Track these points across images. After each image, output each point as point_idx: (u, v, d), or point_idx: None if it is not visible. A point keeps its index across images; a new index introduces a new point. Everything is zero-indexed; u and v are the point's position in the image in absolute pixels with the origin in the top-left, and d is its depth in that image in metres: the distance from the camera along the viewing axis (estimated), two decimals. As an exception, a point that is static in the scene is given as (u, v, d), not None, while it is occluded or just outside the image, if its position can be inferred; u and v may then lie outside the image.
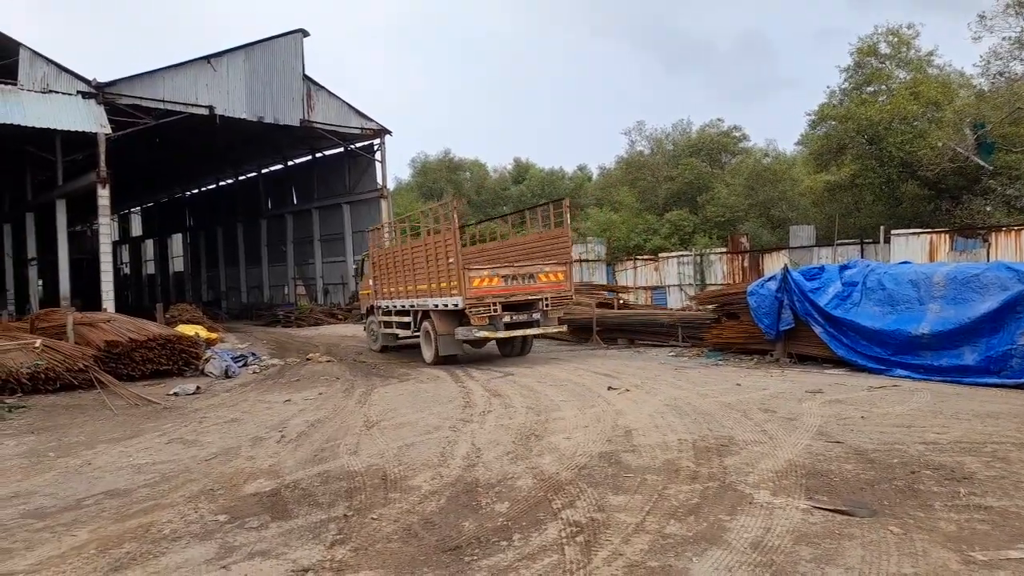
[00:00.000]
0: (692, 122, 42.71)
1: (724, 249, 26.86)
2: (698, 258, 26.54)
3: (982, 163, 23.54)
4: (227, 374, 14.41)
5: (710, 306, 15.12)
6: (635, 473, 6.00)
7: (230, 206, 45.78)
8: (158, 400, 11.58)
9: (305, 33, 30.56)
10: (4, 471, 7.32)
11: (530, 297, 13.91)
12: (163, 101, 26.54)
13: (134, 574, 4.45)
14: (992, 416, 7.59)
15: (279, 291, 41.31)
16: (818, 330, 11.76)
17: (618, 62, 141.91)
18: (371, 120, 32.87)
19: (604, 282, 27.75)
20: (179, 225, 52.81)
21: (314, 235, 38.29)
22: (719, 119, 41.72)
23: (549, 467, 6.30)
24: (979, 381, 9.47)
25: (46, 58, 24.38)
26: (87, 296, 29.26)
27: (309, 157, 39.16)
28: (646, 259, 29.12)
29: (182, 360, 14.60)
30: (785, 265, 14.22)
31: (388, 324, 17.11)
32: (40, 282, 34.73)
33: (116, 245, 51.65)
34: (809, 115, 31.09)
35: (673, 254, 28.11)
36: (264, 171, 43.21)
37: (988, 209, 23.14)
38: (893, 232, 21.52)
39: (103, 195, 24.32)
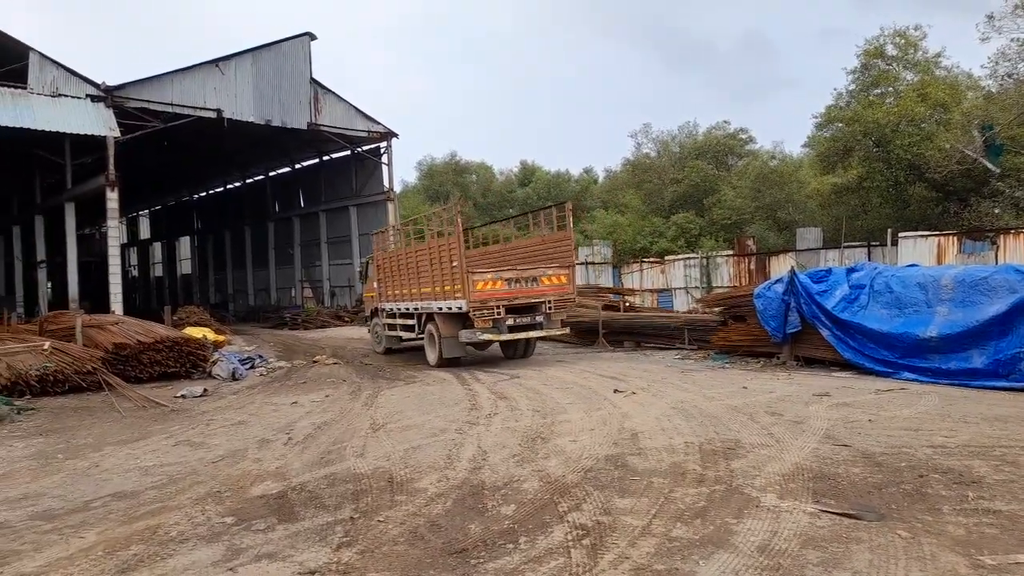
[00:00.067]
0: (698, 124, 42.71)
1: (730, 252, 26.77)
2: (704, 261, 26.46)
3: (990, 165, 23.42)
4: (234, 376, 14.46)
5: (716, 309, 15.08)
6: (641, 476, 5.99)
7: (237, 209, 45.96)
8: (165, 402, 11.63)
9: (312, 36, 30.65)
10: (13, 473, 7.36)
11: (533, 300, 13.99)
12: (171, 104, 26.67)
13: (142, 576, 4.48)
14: (1001, 419, 7.55)
15: (286, 293, 41.43)
16: (825, 333, 11.72)
17: (619, 62, 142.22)
18: (377, 123, 32.95)
19: (610, 285, 27.69)
20: (187, 228, 53.03)
21: (321, 238, 38.39)
22: (725, 121, 41.81)
23: (555, 470, 6.30)
24: (987, 384, 9.41)
25: (55, 62, 24.51)
26: (96, 298, 29.38)
27: (316, 160, 39.28)
28: (652, 262, 29.06)
29: (189, 362, 14.67)
30: (792, 268, 14.17)
31: (392, 326, 17.18)
32: (49, 285, 34.90)
33: (124, 248, 52.00)
34: (815, 117, 31.00)
35: (679, 257, 28.03)
36: (271, 174, 43.35)
37: (996, 211, 22.97)
38: (900, 234, 21.40)
39: (112, 198, 24.44)
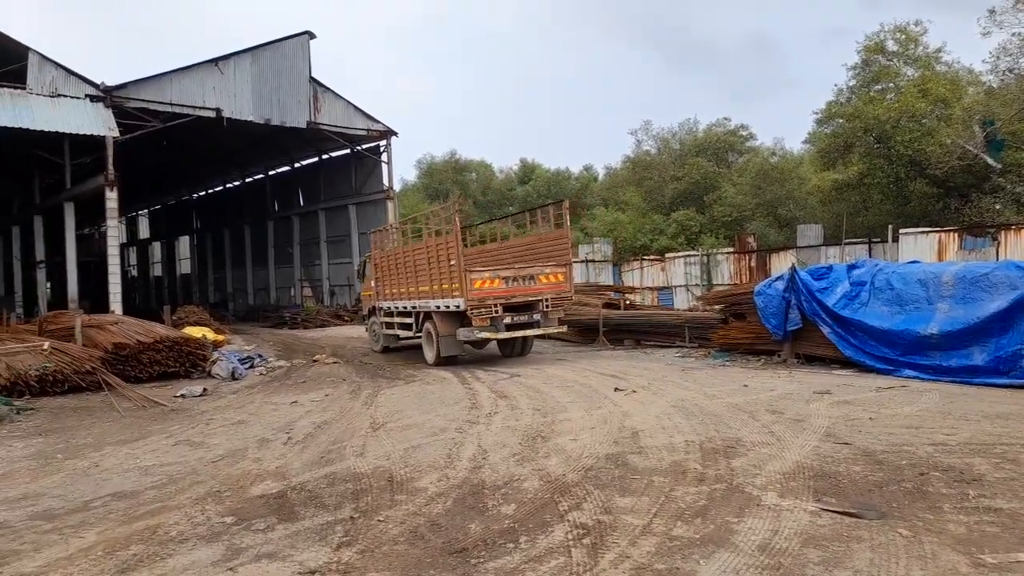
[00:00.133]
0: (699, 121, 42.60)
1: (731, 249, 26.77)
2: (705, 258, 26.46)
3: (991, 161, 23.39)
4: (234, 376, 14.45)
5: (717, 306, 15.07)
6: (642, 475, 5.98)
7: (237, 208, 45.93)
8: (165, 402, 11.63)
9: (311, 35, 30.59)
10: (13, 473, 7.36)
11: (531, 298, 14.05)
12: (171, 104, 26.63)
13: (141, 576, 4.47)
14: (1002, 417, 7.54)
15: (285, 293, 41.40)
16: (826, 330, 11.70)
17: (620, 62, 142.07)
18: (377, 121, 32.91)
19: (610, 282, 27.67)
20: (186, 227, 53.01)
21: (320, 236, 38.36)
22: (726, 118, 41.65)
23: (556, 469, 6.29)
24: (988, 382, 9.39)
25: (55, 62, 24.48)
26: (95, 298, 29.36)
27: (315, 159, 39.24)
28: (652, 259, 29.05)
29: (189, 362, 14.67)
30: (792, 265, 14.16)
31: (390, 325, 17.25)
32: (48, 284, 34.89)
33: (124, 247, 51.92)
34: (816, 113, 30.99)
35: (680, 254, 28.03)
36: (271, 173, 43.31)
37: (998, 207, 22.95)
38: (901, 231, 21.39)
39: (111, 198, 24.41)
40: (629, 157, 44.63)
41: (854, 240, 23.64)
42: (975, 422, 7.36)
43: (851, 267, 12.34)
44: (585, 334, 17.73)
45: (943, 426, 7.22)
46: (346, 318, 30.76)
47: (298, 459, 7.27)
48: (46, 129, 23.44)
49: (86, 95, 24.57)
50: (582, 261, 29.61)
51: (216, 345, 17.64)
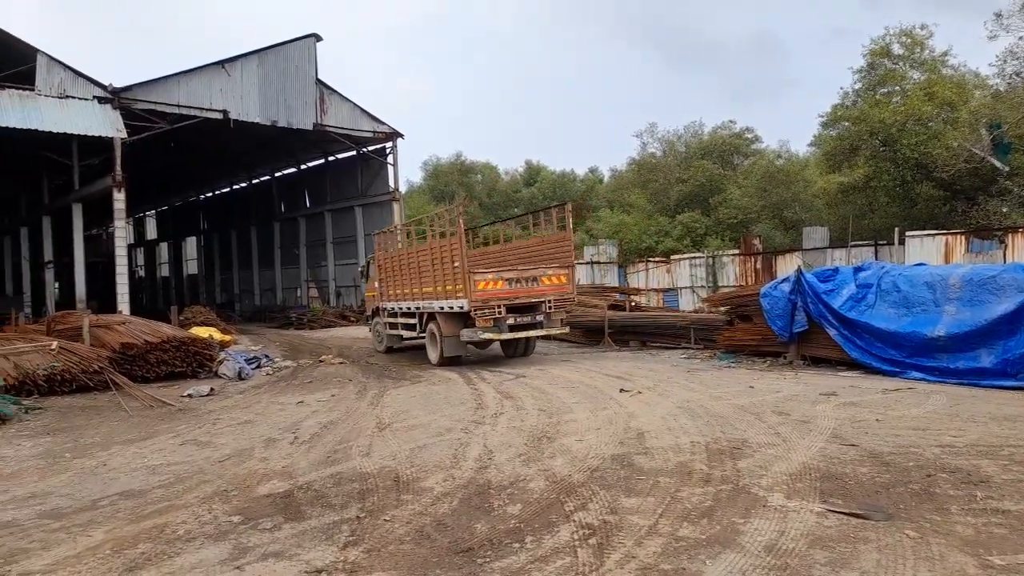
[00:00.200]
0: (704, 123, 42.55)
1: (736, 251, 26.71)
2: (710, 260, 26.41)
3: (998, 164, 23.29)
4: (240, 376, 14.50)
5: (722, 308, 15.05)
6: (648, 475, 5.97)
7: (244, 209, 46.08)
8: (172, 402, 11.67)
9: (318, 38, 30.70)
10: (21, 472, 7.40)
11: (533, 300, 14.16)
12: (178, 106, 26.77)
13: (149, 574, 4.49)
14: (1009, 419, 7.51)
15: (292, 293, 41.51)
16: (832, 332, 11.68)
17: (619, 62, 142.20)
18: (383, 123, 32.99)
19: (616, 284, 27.65)
20: (193, 228, 53.20)
21: (327, 238, 38.45)
22: (731, 120, 41.62)
23: (561, 469, 6.29)
24: (996, 384, 9.36)
25: (63, 64, 24.64)
26: (103, 298, 29.54)
27: (322, 160, 39.35)
28: (658, 261, 29.02)
29: (196, 362, 14.71)
30: (798, 267, 14.13)
31: (393, 325, 17.37)
32: (56, 285, 35.10)
33: (131, 248, 52.02)
34: (821, 116, 30.92)
35: (685, 256, 27.99)
36: (277, 174, 43.45)
37: (1004, 210, 22.84)
38: (908, 233, 21.33)
39: (119, 199, 24.54)
40: (634, 159, 44.57)
41: (860, 243, 23.57)
42: (982, 424, 7.34)
43: (857, 269, 12.31)
44: (590, 335, 17.73)
45: (950, 428, 7.20)
46: (352, 319, 30.83)
47: (304, 459, 7.29)
48: (54, 130, 23.59)
49: (94, 96, 24.71)
50: (587, 263, 29.60)
51: (223, 345, 17.71)
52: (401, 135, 33.47)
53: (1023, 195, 22.65)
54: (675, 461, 6.37)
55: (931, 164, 24.23)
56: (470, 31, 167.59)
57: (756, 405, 8.76)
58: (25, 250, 36.31)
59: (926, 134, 24.69)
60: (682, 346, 15.56)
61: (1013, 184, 22.97)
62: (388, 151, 34.12)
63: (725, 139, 40.09)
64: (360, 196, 36.21)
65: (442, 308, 14.40)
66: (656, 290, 27.68)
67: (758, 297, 12.92)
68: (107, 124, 24.42)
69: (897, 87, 27.95)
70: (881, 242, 22.96)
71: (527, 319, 14.15)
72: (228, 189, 48.65)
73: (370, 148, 34.64)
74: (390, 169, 34.33)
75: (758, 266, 25.19)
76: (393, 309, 17.19)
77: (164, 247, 58.32)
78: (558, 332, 14.83)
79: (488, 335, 14.05)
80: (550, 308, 14.14)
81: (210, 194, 50.59)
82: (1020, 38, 23.42)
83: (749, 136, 40.91)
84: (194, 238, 53.80)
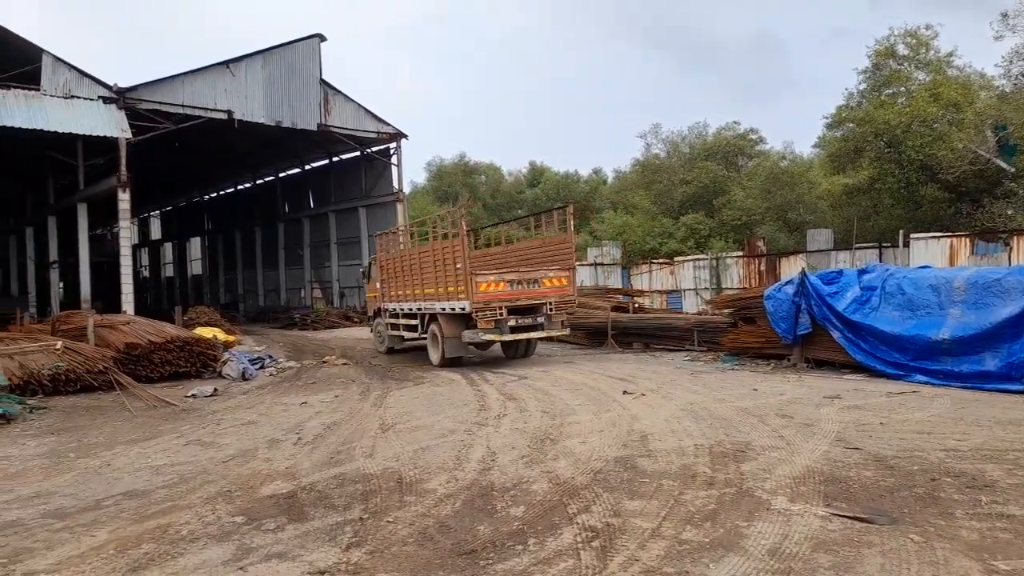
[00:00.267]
0: (708, 125, 42.50)
1: (740, 253, 26.68)
2: (714, 262, 26.38)
3: (1004, 165, 23.23)
4: (244, 376, 14.52)
5: (726, 310, 15.03)
6: (651, 478, 5.97)
7: (248, 210, 46.15)
8: (176, 402, 11.70)
9: (322, 38, 30.72)
10: (26, 471, 7.42)
11: (535, 301, 14.24)
12: (183, 106, 26.82)
13: (152, 575, 4.50)
14: (1014, 423, 7.48)
15: (296, 294, 41.57)
16: (836, 335, 11.65)
17: (619, 62, 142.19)
18: (387, 124, 33.01)
19: (619, 286, 27.65)
20: (198, 228, 53.30)
21: (331, 238, 38.49)
22: (735, 122, 41.56)
23: (564, 471, 6.29)
24: (1000, 387, 9.32)
25: (68, 64, 24.70)
26: (107, 298, 29.59)
27: (326, 161, 39.38)
28: (661, 263, 28.99)
29: (200, 362, 14.75)
30: (802, 269, 14.11)
31: (395, 326, 17.47)
32: (61, 285, 35.19)
33: (136, 248, 52.20)
34: (826, 118, 30.86)
35: (689, 258, 27.97)
36: (281, 175, 43.51)
37: (1010, 212, 22.77)
38: (912, 236, 21.26)
39: (123, 199, 24.59)
40: (638, 160, 44.59)
41: (865, 245, 23.52)
42: (987, 428, 7.31)
43: (862, 272, 12.28)
44: (593, 337, 17.72)
45: (955, 432, 7.18)
46: (356, 319, 30.85)
47: (308, 460, 7.30)
48: (60, 130, 23.64)
49: (99, 97, 24.76)
50: (591, 264, 29.59)
51: (227, 346, 17.75)
52: (405, 136, 33.50)
53: (1029, 197, 22.58)
54: (678, 464, 6.37)
55: (936, 166, 24.16)
56: (470, 31, 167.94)
57: (760, 408, 8.74)
58: (30, 250, 36.40)
59: (931, 135, 24.62)
60: (686, 348, 15.54)
61: (1019, 186, 22.90)
62: (392, 152, 34.14)
63: (729, 140, 40.05)
64: (364, 197, 36.24)
65: (444, 309, 14.46)
66: (660, 292, 27.66)
67: (762, 299, 12.90)
68: (112, 124, 24.48)
69: (902, 88, 27.88)
70: (885, 244, 22.91)
71: (528, 321, 14.22)
72: (232, 189, 48.74)
73: (374, 149, 34.67)
74: (394, 170, 34.35)
75: (762, 268, 25.15)
76: (395, 310, 17.27)
77: (168, 247, 58.43)
78: (559, 334, 14.91)
79: (489, 336, 14.12)
80: (551, 310, 14.22)
81: (214, 194, 50.68)
82: (1026, 39, 23.36)
83: (753, 137, 40.88)
84: (198, 238, 53.90)
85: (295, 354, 19.39)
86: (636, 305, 20.02)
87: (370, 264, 20.43)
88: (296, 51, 29.86)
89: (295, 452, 7.69)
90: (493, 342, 15.06)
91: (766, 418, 8.11)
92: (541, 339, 15.27)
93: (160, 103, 26.15)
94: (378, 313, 18.78)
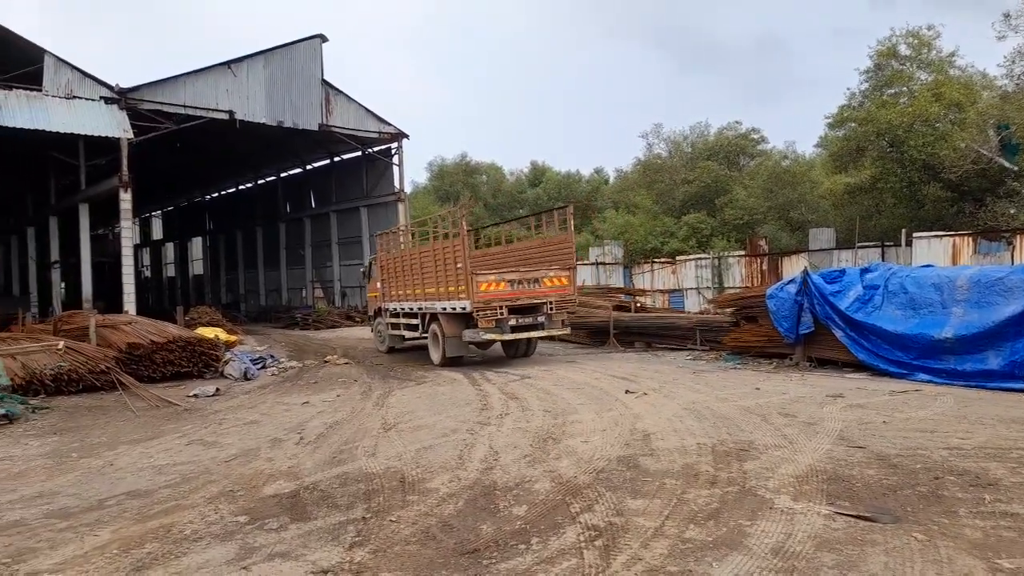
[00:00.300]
0: (710, 124, 42.45)
1: (742, 252, 26.64)
2: (716, 261, 26.35)
3: (1006, 165, 23.18)
4: (246, 376, 14.53)
5: (728, 309, 15.02)
6: (654, 477, 5.96)
7: (249, 210, 46.20)
8: (178, 402, 11.70)
9: (324, 39, 30.75)
10: (28, 471, 7.43)
11: (535, 301, 14.28)
12: (184, 106, 26.86)
13: (156, 574, 4.50)
14: (1017, 422, 7.47)
15: (297, 294, 41.60)
16: (839, 334, 11.64)
17: (621, 62, 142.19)
18: (388, 124, 33.02)
19: (621, 285, 27.63)
20: (199, 228, 53.36)
21: (332, 238, 38.51)
22: (737, 121, 41.55)
23: (567, 470, 6.28)
24: (1004, 386, 9.32)
25: (70, 64, 24.74)
26: (109, 298, 29.61)
27: (327, 161, 39.42)
28: (663, 262, 28.97)
29: (202, 362, 14.76)
30: (805, 268, 14.10)
31: (396, 326, 17.52)
32: (63, 285, 35.20)
33: (137, 248, 52.34)
34: (828, 117, 30.81)
35: (691, 257, 27.94)
36: (283, 175, 43.55)
37: (1012, 211, 22.72)
38: (915, 235, 21.22)
39: (125, 199, 24.62)
40: (640, 160, 44.52)
41: (867, 244, 23.48)
42: (990, 426, 7.30)
43: (864, 271, 12.27)
44: (596, 336, 17.72)
45: (958, 430, 7.17)
46: (357, 319, 30.86)
47: (310, 459, 7.30)
48: (62, 131, 23.68)
49: (101, 97, 24.79)
50: (593, 263, 29.57)
51: (228, 346, 17.74)
52: (406, 136, 33.52)
53: (1031, 196, 22.54)
54: (681, 463, 6.36)
55: (938, 165, 24.12)
56: (472, 31, 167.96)
57: (762, 407, 8.73)
58: (32, 250, 36.45)
59: (933, 135, 24.57)
60: (688, 347, 15.54)
61: (1021, 185, 22.87)
62: (393, 152, 34.15)
63: (731, 140, 40.02)
64: (365, 197, 36.26)
65: (445, 309, 14.48)
66: (661, 291, 27.63)
67: (764, 298, 12.89)
68: (114, 124, 24.51)
69: (904, 88, 27.82)
70: (888, 243, 22.86)
71: (529, 320, 14.26)
72: (234, 189, 48.79)
73: (375, 149, 34.69)
74: (395, 170, 34.36)
75: (764, 267, 25.12)
76: (395, 310, 17.30)
77: (170, 247, 58.50)
78: (559, 333, 14.94)
79: (490, 336, 14.16)
80: (551, 309, 14.26)
81: (216, 194, 50.74)
82: (1029, 39, 23.31)
83: (755, 137, 40.84)
84: (200, 238, 53.97)
85: (297, 354, 19.39)
86: (638, 304, 20.01)
87: (371, 264, 20.45)
88: (297, 51, 29.88)
89: (297, 452, 7.70)
90: (494, 341, 15.09)
91: (769, 417, 8.10)
92: (542, 338, 15.31)
93: (162, 103, 26.18)
94: (379, 313, 18.82)
